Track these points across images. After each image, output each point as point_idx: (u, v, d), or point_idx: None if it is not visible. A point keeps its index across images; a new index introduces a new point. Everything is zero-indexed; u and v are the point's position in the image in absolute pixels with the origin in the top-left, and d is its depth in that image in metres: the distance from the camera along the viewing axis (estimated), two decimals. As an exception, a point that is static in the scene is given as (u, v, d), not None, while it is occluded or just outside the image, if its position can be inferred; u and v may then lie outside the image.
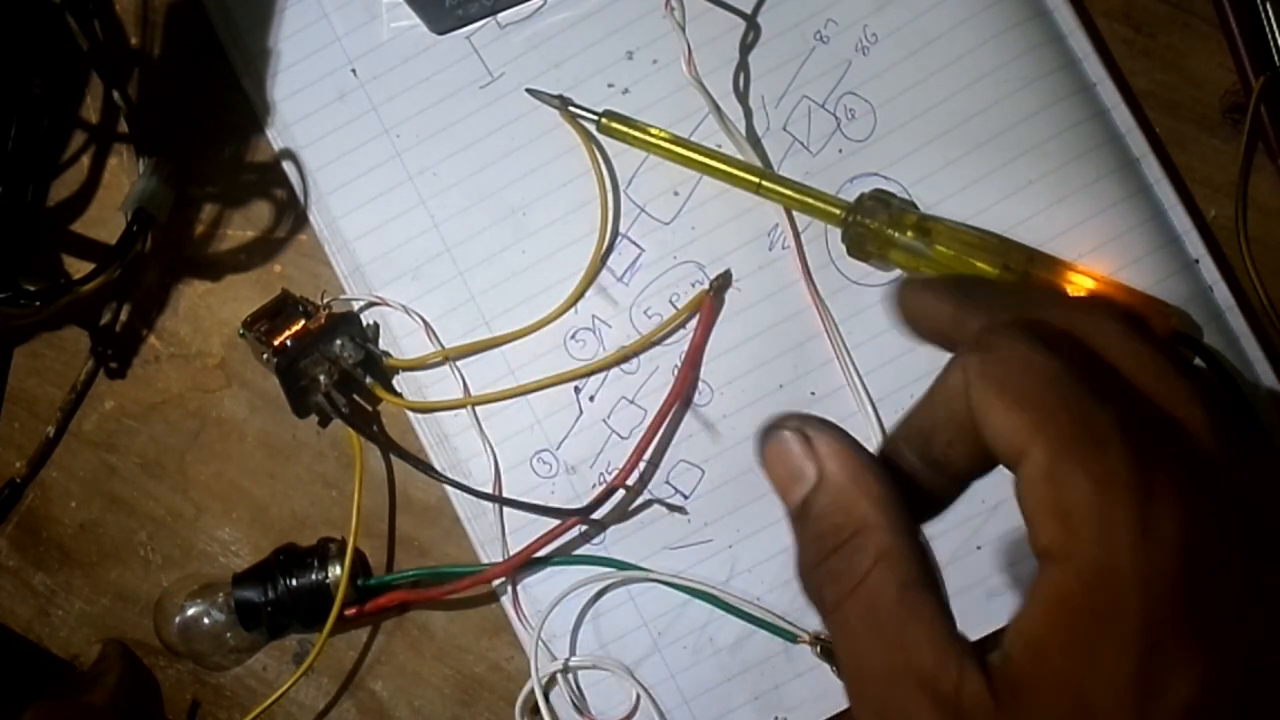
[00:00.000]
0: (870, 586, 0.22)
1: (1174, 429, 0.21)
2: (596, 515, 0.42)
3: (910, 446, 0.24)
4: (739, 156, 0.42)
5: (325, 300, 0.44)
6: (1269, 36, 0.42)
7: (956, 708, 0.20)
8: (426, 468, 0.43)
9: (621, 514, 0.43)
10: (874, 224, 0.41)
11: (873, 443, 0.42)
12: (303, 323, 0.43)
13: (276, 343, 0.42)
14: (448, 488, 0.43)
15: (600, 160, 0.43)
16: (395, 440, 0.44)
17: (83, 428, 0.46)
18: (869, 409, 0.42)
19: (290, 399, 0.43)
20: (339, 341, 0.43)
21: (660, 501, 0.43)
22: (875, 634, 0.21)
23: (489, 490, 0.43)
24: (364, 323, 0.44)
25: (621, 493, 0.42)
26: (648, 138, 0.42)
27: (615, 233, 0.44)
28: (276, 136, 0.45)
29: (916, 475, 0.24)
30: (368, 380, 0.43)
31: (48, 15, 0.44)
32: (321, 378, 0.43)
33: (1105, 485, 0.20)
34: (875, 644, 0.21)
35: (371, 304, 0.44)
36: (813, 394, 0.43)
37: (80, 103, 0.47)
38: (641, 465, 0.42)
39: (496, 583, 0.43)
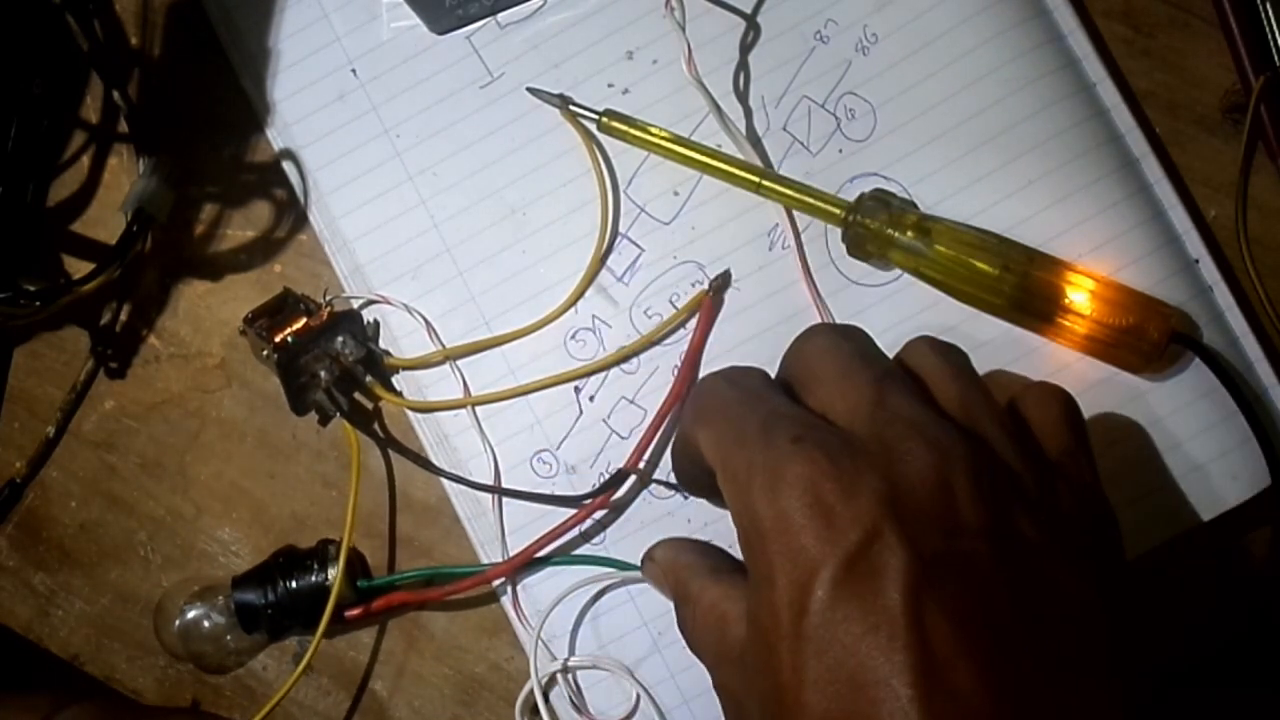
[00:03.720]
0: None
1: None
2: (602, 506, 0.42)
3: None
4: (739, 156, 0.42)
5: (328, 298, 0.44)
6: (1269, 36, 0.42)
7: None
8: (425, 463, 0.43)
9: (621, 514, 0.43)
10: (874, 224, 0.41)
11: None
12: (304, 320, 0.43)
13: (277, 339, 0.42)
14: (448, 487, 0.43)
15: (600, 160, 0.43)
16: (396, 439, 0.44)
17: (83, 428, 0.46)
18: (869, 409, 0.42)
19: (289, 395, 0.43)
20: (340, 339, 0.43)
21: (660, 500, 0.43)
22: None
23: (489, 490, 0.43)
24: (365, 321, 0.44)
25: (627, 485, 0.42)
26: (648, 137, 0.42)
27: (615, 233, 0.44)
28: (276, 136, 0.45)
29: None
30: (368, 379, 0.43)
31: (48, 15, 0.44)
32: (322, 373, 0.43)
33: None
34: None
35: (372, 302, 0.44)
36: (813, 394, 0.43)
37: (80, 103, 0.47)
38: (642, 465, 0.42)
39: (496, 583, 0.43)
